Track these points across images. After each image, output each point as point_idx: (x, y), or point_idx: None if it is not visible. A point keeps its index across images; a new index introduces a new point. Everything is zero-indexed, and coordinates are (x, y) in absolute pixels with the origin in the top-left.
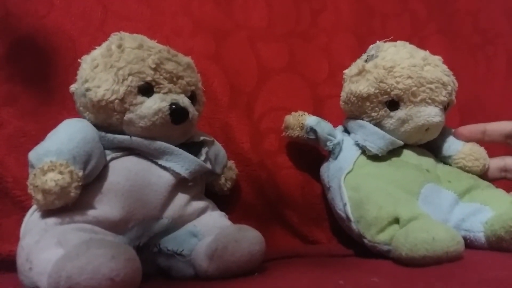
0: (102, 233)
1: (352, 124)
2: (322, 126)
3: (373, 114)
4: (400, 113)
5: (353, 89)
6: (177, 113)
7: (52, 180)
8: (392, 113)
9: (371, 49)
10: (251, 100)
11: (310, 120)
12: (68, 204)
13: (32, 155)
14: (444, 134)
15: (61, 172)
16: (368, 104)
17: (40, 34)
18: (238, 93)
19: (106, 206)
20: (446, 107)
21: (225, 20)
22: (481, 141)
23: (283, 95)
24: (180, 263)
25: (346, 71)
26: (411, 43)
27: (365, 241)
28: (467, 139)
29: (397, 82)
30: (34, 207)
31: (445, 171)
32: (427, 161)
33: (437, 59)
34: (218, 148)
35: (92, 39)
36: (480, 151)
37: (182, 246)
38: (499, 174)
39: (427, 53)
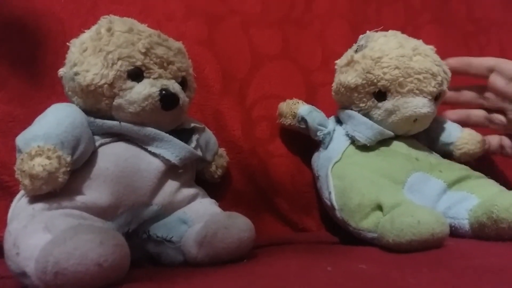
0: (90, 219)
1: (342, 115)
2: (313, 116)
3: (361, 104)
4: (387, 104)
5: (342, 80)
6: (167, 99)
7: (39, 165)
8: (379, 104)
9: (361, 39)
10: (243, 87)
11: (302, 109)
12: (56, 190)
13: (20, 140)
14: (441, 122)
15: (48, 157)
16: (356, 94)
17: (29, 16)
18: (230, 80)
19: (95, 192)
20: (437, 98)
21: (219, 5)
22: (466, 73)
23: (276, 82)
24: (170, 250)
25: (337, 61)
26: (404, 31)
27: (350, 228)
28: (455, 69)
29: (384, 73)
30: (21, 192)
31: (438, 161)
32: (418, 151)
33: (428, 49)
34: (209, 135)
35: (82, 22)
36: (478, 134)
37: (172, 233)
38: (497, 150)
39: (419, 42)
